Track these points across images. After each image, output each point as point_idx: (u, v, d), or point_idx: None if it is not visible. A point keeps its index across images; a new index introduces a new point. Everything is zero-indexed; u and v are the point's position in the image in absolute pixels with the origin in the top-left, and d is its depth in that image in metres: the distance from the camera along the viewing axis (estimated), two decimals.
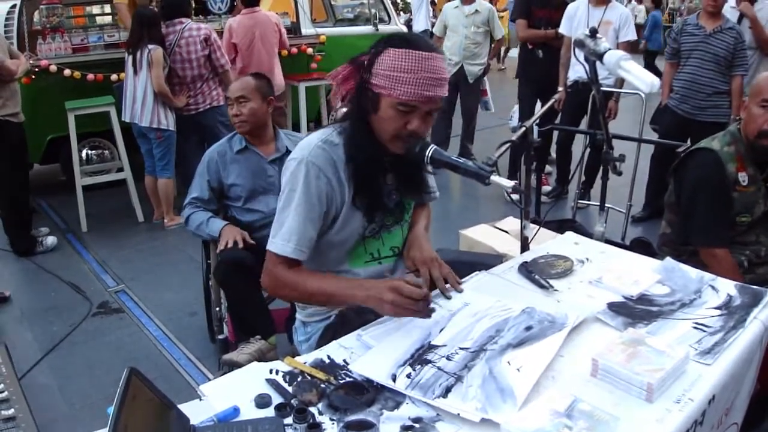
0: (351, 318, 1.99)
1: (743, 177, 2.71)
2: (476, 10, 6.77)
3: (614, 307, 1.98)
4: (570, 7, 5.74)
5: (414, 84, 1.87)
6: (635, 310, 1.97)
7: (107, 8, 8.06)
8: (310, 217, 2.00)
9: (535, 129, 2.52)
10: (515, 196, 2.04)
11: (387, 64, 1.88)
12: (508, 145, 2.31)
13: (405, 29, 7.47)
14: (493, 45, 7.05)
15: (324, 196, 2.00)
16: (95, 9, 8.22)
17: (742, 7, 5.47)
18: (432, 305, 1.90)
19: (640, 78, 2.26)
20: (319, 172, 1.99)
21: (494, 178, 1.87)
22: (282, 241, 2.01)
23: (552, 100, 2.96)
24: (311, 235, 2.02)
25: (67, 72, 6.00)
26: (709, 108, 5.07)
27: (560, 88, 5.74)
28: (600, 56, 2.34)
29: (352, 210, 2.06)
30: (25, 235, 5.30)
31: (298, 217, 1.99)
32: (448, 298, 2.00)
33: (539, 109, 3.14)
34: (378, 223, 2.14)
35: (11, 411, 1.55)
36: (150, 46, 5.30)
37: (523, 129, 2.36)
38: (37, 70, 5.91)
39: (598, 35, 2.35)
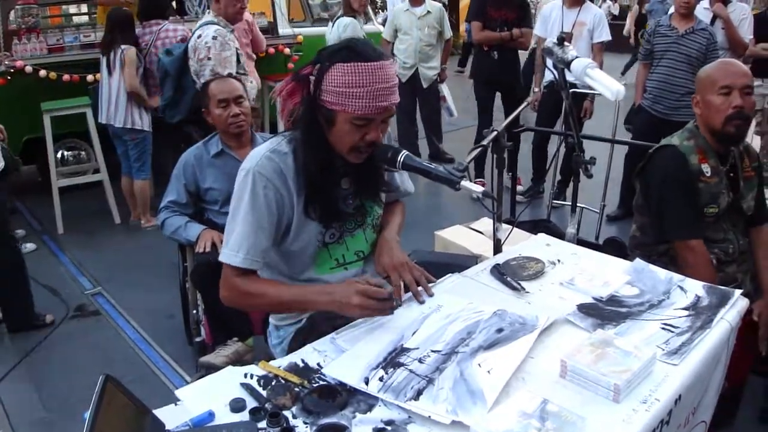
0: (321, 322, 2.02)
1: (706, 168, 2.74)
2: (428, 11, 6.76)
3: (584, 309, 2.01)
4: (545, 8, 5.80)
5: (368, 97, 1.86)
6: (605, 312, 2.01)
7: (83, 8, 8.01)
8: (261, 227, 2.00)
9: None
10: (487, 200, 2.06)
11: (337, 80, 1.87)
12: (479, 149, 2.34)
13: (382, 29, 7.45)
14: (444, 46, 7.03)
15: (273, 205, 2.00)
16: (71, 8, 8.17)
17: (715, 9, 5.55)
18: (402, 305, 1.96)
19: (606, 86, 2.30)
20: (266, 182, 1.98)
21: (464, 183, 1.90)
22: (231, 251, 2.01)
23: (525, 104, 2.99)
24: (264, 245, 2.03)
25: (42, 73, 5.95)
26: (682, 108, 5.12)
27: (536, 89, 5.81)
28: (567, 64, 2.38)
29: (304, 219, 2.05)
30: None
31: (246, 227, 1.99)
32: (421, 302, 2.01)
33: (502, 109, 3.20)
34: (338, 229, 2.13)
35: None
36: (123, 47, 5.29)
37: (495, 133, 2.40)
38: (12, 71, 5.87)
39: (566, 43, 2.40)
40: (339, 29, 5.67)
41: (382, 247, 2.20)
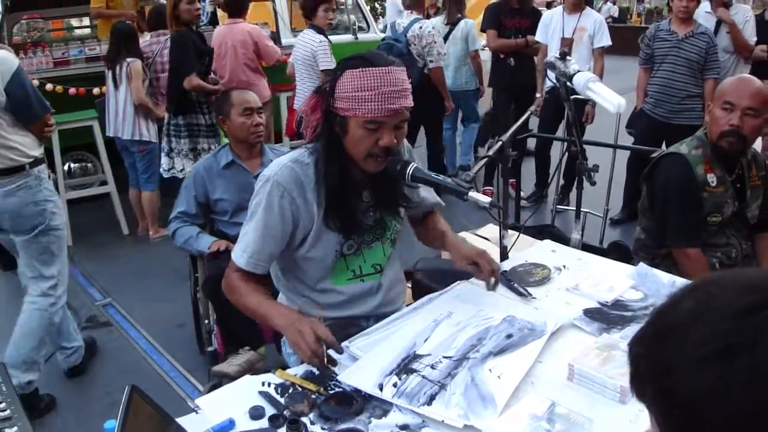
0: (334, 332, 2.05)
1: (712, 178, 2.77)
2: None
3: (590, 314, 2.06)
4: (545, 15, 5.86)
5: (377, 100, 1.90)
6: (610, 316, 2.06)
7: (86, 21, 8.08)
8: (271, 234, 2.05)
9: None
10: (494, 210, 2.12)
11: (347, 86, 1.93)
12: (485, 160, 2.39)
13: (382, 36, 7.46)
14: None
15: (288, 214, 2.04)
16: (74, 21, 8.22)
17: (719, 13, 5.57)
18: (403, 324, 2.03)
19: (608, 99, 2.35)
20: (283, 192, 2.02)
21: (472, 194, 1.95)
22: (240, 251, 2.09)
23: (528, 113, 3.05)
24: (270, 251, 2.09)
25: (49, 86, 6.01)
26: (683, 111, 5.19)
27: (538, 95, 5.86)
28: (570, 78, 2.43)
29: (323, 228, 2.09)
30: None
31: (256, 232, 2.05)
32: (493, 290, 2.16)
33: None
34: (356, 240, 2.16)
35: (14, 429, 1.60)
36: (128, 60, 5.35)
37: (500, 143, 2.44)
38: None
39: (568, 57, 2.45)
40: (467, 25, 6.55)
41: (458, 243, 2.34)
